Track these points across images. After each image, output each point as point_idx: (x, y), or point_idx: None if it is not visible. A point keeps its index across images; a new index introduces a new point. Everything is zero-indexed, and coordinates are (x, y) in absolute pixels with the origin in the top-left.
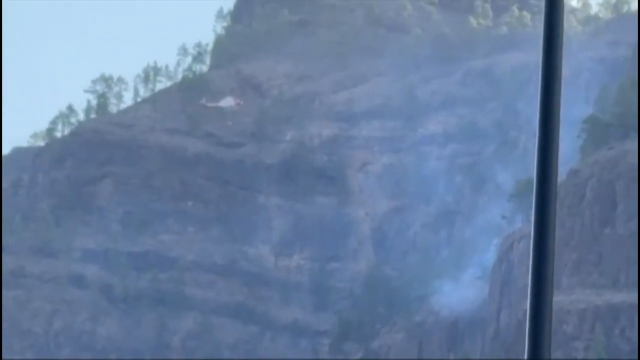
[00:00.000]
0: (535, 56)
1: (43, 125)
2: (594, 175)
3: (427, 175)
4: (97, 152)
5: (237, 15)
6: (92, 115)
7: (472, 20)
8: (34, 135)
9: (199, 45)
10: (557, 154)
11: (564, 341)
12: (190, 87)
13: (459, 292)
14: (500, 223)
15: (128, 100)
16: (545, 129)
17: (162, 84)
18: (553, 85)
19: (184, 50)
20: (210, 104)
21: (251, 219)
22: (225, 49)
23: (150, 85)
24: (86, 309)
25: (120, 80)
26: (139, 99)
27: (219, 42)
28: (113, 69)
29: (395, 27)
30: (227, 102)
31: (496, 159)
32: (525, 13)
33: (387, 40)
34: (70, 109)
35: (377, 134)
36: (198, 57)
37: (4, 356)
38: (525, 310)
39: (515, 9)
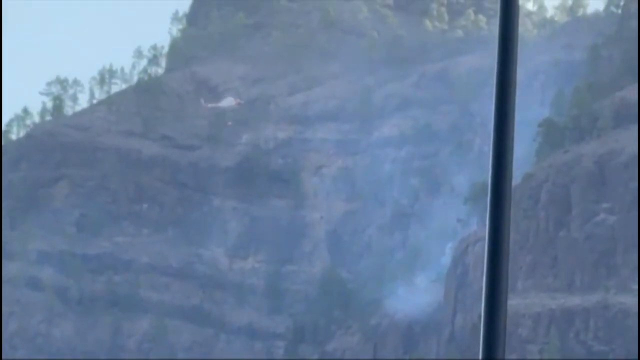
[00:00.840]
0: (490, 59)
1: None
2: (549, 178)
3: (382, 178)
4: (53, 154)
5: (192, 17)
6: (48, 118)
7: (428, 23)
8: None
9: (154, 47)
10: (511, 157)
11: (518, 344)
12: (146, 90)
13: (414, 295)
14: (455, 226)
15: (83, 102)
16: (500, 132)
17: (117, 86)
18: (508, 89)
19: (139, 53)
20: (209, 105)
21: (206, 222)
22: (181, 52)
23: (105, 88)
24: (41, 311)
25: (76, 82)
26: (94, 102)
27: (174, 44)
28: (68, 71)
29: (351, 30)
30: (228, 102)
31: (451, 161)
32: (480, 16)
33: (343, 43)
34: (26, 111)
35: (332, 136)
36: (153, 60)
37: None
38: (480, 313)
39: (470, 12)
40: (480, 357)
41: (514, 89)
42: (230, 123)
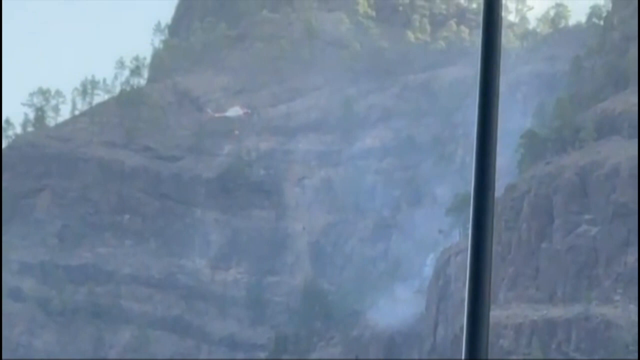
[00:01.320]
0: (472, 70)
1: None
2: (531, 189)
3: (364, 189)
4: (35, 165)
5: (175, 29)
6: (30, 129)
7: (410, 35)
8: None
9: (136, 59)
10: (494, 167)
11: (500, 356)
12: (128, 101)
13: (396, 307)
14: (437, 237)
15: (66, 113)
16: (482, 143)
17: (99, 97)
18: (491, 100)
19: (121, 64)
20: (217, 114)
21: (188, 233)
22: (163, 63)
23: (88, 99)
24: (23, 322)
25: (58, 93)
26: (76, 112)
27: (156, 55)
28: (51, 83)
29: (333, 42)
30: (235, 111)
31: (433, 172)
32: (463, 28)
33: (325, 55)
34: (8, 122)
35: (314, 147)
36: (136, 71)
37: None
38: (463, 325)
39: (452, 23)
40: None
41: (496, 100)
42: (237, 132)
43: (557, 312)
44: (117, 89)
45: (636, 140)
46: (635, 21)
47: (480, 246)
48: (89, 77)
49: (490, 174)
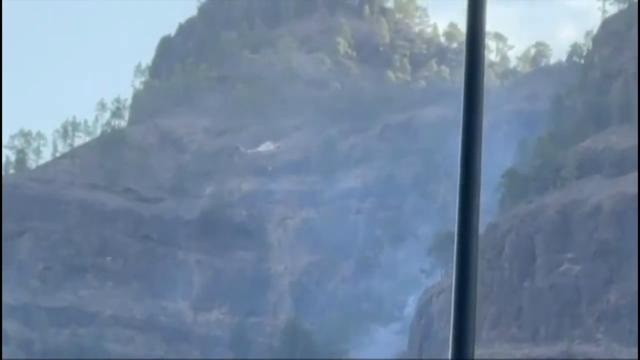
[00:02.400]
0: (453, 110)
1: None
2: (513, 228)
3: (346, 229)
4: (16, 207)
5: (155, 70)
6: (11, 171)
7: (391, 75)
8: None
9: (117, 100)
10: (478, 206)
11: None
12: (109, 142)
13: (379, 346)
14: (419, 277)
15: (47, 155)
16: (466, 182)
17: (80, 139)
18: (474, 139)
19: (102, 106)
20: (249, 151)
21: (170, 274)
22: (144, 104)
23: (69, 141)
24: None
25: (39, 135)
26: (57, 155)
27: (137, 97)
28: (32, 125)
29: (314, 82)
30: (266, 146)
31: (416, 212)
32: (443, 67)
33: (306, 95)
34: None
35: (296, 188)
36: (117, 112)
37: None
38: None
39: (433, 63)
40: None
41: (480, 139)
42: (270, 169)
43: (539, 351)
44: (98, 131)
45: (618, 178)
46: (615, 60)
47: (465, 286)
48: (70, 119)
49: (474, 213)
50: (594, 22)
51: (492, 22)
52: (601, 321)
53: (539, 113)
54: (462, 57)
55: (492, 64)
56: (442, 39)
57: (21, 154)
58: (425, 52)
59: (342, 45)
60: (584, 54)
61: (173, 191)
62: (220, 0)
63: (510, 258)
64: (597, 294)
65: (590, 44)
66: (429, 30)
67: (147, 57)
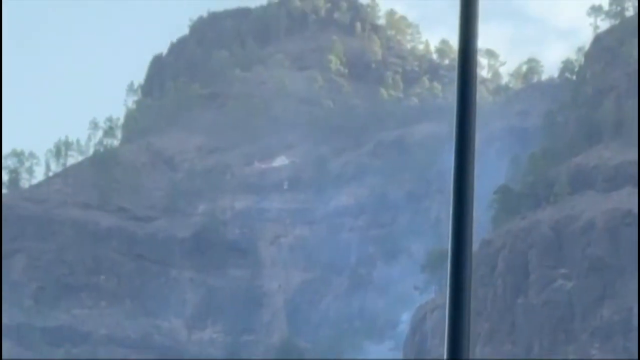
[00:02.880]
0: (445, 127)
1: None
2: (506, 245)
3: (340, 247)
4: (9, 227)
5: (147, 89)
6: (4, 191)
7: (383, 92)
8: None
9: (110, 119)
10: (471, 223)
11: None
12: (102, 162)
13: None
14: (413, 294)
15: (40, 175)
16: (459, 199)
17: (73, 158)
18: (466, 156)
19: (95, 125)
20: (263, 165)
21: (164, 293)
22: (137, 123)
23: (61, 160)
24: None
25: (32, 155)
26: (50, 174)
27: (130, 116)
28: (24, 144)
29: (306, 100)
30: (281, 160)
31: (409, 229)
32: (435, 84)
33: (298, 113)
34: None
35: (289, 206)
36: (109, 132)
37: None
38: None
39: (425, 80)
40: None
41: (472, 155)
42: (286, 186)
43: None
44: (91, 150)
45: (611, 194)
46: (607, 76)
47: (459, 302)
48: (63, 139)
49: (467, 230)
50: (586, 38)
51: (483, 38)
52: (595, 337)
53: (531, 129)
54: (454, 74)
55: (484, 81)
56: (434, 56)
57: (14, 174)
58: (418, 69)
59: (334, 62)
60: (576, 69)
61: (166, 210)
62: (211, 19)
63: (503, 274)
64: (590, 309)
65: (582, 60)
66: (421, 47)
67: (139, 76)
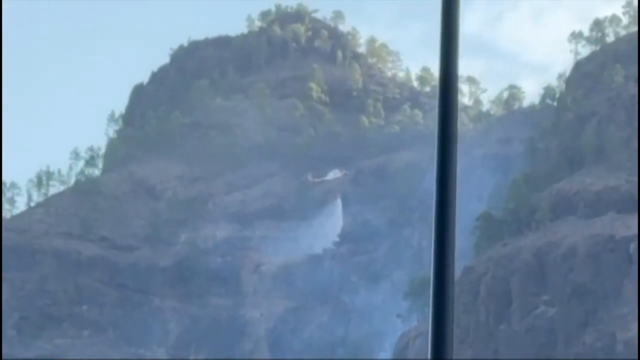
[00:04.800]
0: (427, 154)
1: None
2: (489, 271)
3: (322, 275)
4: None
5: (129, 118)
6: None
7: (364, 119)
8: None
9: (91, 149)
10: (453, 250)
11: None
12: (83, 191)
13: None
14: (395, 321)
15: (21, 205)
16: (441, 226)
17: (55, 188)
18: (448, 183)
19: (76, 155)
20: (316, 180)
21: (146, 322)
22: (118, 152)
23: (43, 190)
24: None
25: (13, 185)
26: (32, 204)
27: (111, 145)
28: (5, 175)
29: (287, 128)
30: (334, 174)
31: (391, 257)
32: (416, 111)
33: (280, 141)
34: None
35: (270, 234)
36: (90, 161)
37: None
38: None
39: (406, 107)
40: None
41: (454, 182)
42: (346, 172)
43: None
44: (72, 180)
45: (593, 220)
46: (589, 102)
47: (441, 330)
48: (44, 169)
49: (449, 257)
50: (567, 65)
51: (464, 65)
52: None
53: (512, 156)
54: (435, 101)
55: (465, 108)
56: (415, 83)
57: None
58: (399, 96)
59: (315, 90)
60: (557, 96)
61: (148, 239)
62: (192, 48)
63: (486, 301)
64: (573, 336)
65: (563, 87)
66: (402, 74)
67: (120, 105)
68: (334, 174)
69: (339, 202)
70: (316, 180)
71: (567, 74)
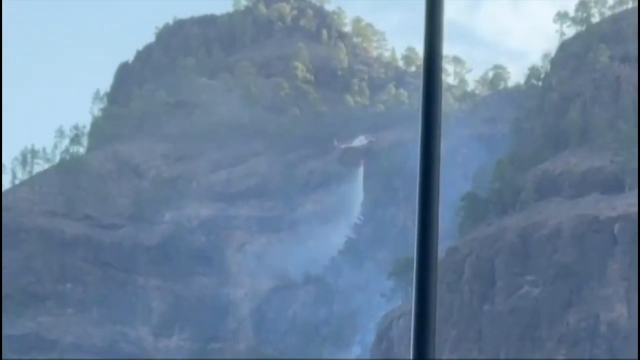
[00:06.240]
0: (411, 134)
1: None
2: (473, 252)
3: (306, 255)
4: None
5: (114, 96)
6: None
7: (349, 99)
8: None
9: (76, 127)
10: (436, 230)
11: None
12: (68, 170)
13: None
14: (379, 301)
15: (6, 183)
16: (424, 206)
17: (39, 166)
18: (432, 163)
19: (61, 133)
20: (343, 145)
21: (130, 301)
22: (103, 131)
23: (28, 168)
24: None
25: None
26: (16, 182)
27: (96, 124)
28: None
29: (272, 107)
30: (360, 141)
31: (375, 237)
32: (402, 91)
33: (265, 120)
34: None
35: (255, 213)
36: (75, 139)
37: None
38: None
39: (391, 87)
40: None
41: (438, 162)
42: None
43: None
44: (57, 158)
45: (577, 200)
46: (573, 83)
47: (424, 309)
48: (29, 147)
49: (432, 237)
50: (552, 44)
51: (449, 45)
52: (561, 344)
53: (497, 136)
54: (420, 81)
55: (450, 87)
56: (400, 63)
57: None
58: (384, 76)
59: (300, 70)
60: (542, 76)
61: (132, 218)
62: (177, 27)
63: (470, 281)
64: (557, 316)
65: (548, 67)
66: (387, 54)
67: (105, 84)
68: (359, 141)
69: (324, 182)
70: (342, 146)
71: (552, 54)
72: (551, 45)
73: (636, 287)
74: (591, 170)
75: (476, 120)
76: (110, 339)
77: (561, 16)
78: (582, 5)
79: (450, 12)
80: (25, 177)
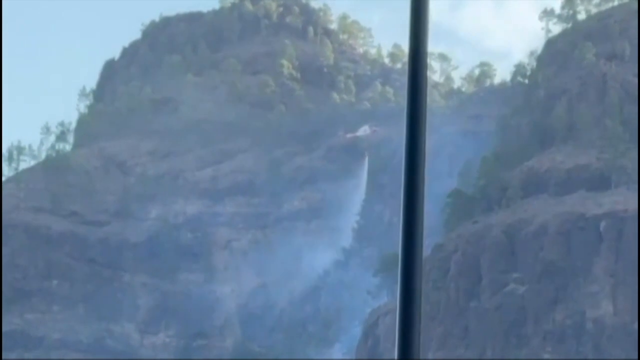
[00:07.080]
0: (397, 131)
1: None
2: (459, 249)
3: (293, 251)
4: None
5: (99, 93)
6: None
7: (335, 96)
8: None
9: (62, 124)
10: (421, 228)
11: None
12: (54, 166)
13: None
14: (365, 298)
15: None
16: (409, 204)
17: (25, 163)
18: (417, 160)
19: (47, 130)
20: (348, 135)
21: (117, 297)
22: (89, 128)
23: (14, 165)
24: None
25: None
26: (2, 179)
27: (82, 120)
28: None
29: (259, 104)
30: (364, 130)
31: (361, 233)
32: (387, 88)
33: (251, 117)
34: None
35: (242, 210)
36: (61, 136)
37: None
38: None
39: (377, 84)
40: None
41: (423, 160)
42: (375, 129)
43: None
44: (43, 155)
45: (563, 198)
46: (559, 80)
47: (409, 306)
48: (15, 143)
49: (417, 234)
50: (538, 42)
51: (435, 42)
52: (547, 341)
53: (483, 133)
54: (406, 78)
55: (436, 85)
56: (386, 60)
57: None
58: (370, 73)
59: (286, 67)
60: (528, 73)
61: (118, 214)
62: (163, 24)
63: (456, 278)
64: (543, 313)
65: (535, 64)
66: (373, 51)
67: (91, 81)
68: (363, 130)
69: (310, 179)
70: (348, 135)
71: (539, 51)
72: (537, 42)
73: (623, 284)
74: (577, 168)
75: (462, 117)
76: (96, 336)
77: (547, 13)
78: (569, 3)
79: (433, 12)
80: (12, 173)
